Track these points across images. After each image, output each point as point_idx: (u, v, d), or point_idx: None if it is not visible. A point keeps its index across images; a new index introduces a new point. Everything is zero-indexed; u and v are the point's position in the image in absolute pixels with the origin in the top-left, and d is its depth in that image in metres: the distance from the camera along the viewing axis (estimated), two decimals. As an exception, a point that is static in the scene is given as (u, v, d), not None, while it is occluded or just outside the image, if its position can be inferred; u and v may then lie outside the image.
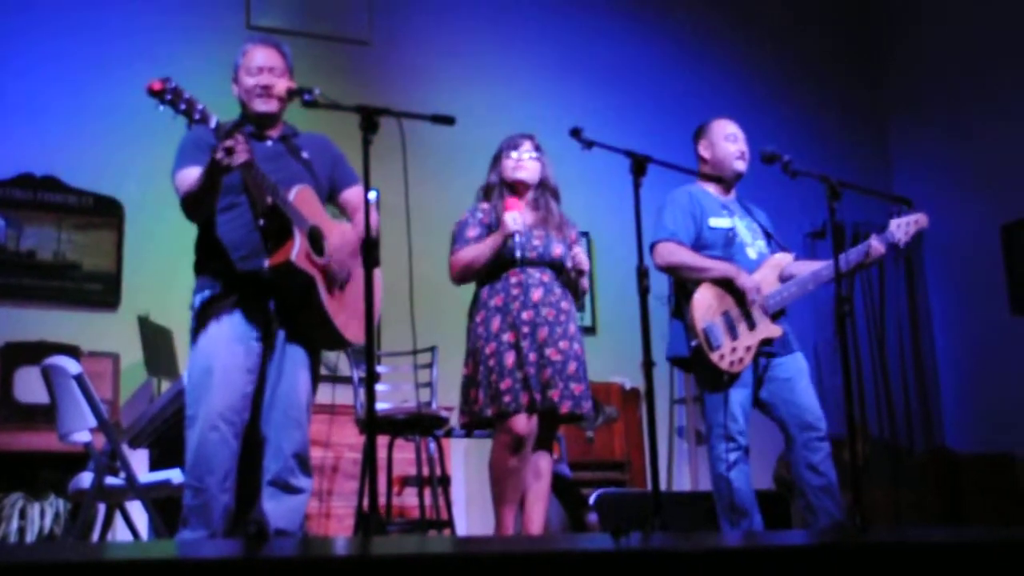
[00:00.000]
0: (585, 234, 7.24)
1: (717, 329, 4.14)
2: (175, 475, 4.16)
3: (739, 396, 4.15)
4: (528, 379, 3.96)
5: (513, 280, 4.08)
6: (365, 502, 3.76)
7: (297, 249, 3.34)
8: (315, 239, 3.45)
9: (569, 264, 4.20)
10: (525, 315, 4.03)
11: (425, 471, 5.15)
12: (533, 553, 1.91)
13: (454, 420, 4.48)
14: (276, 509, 3.46)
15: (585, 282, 4.29)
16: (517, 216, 4.05)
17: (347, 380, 5.29)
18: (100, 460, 4.25)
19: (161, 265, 5.95)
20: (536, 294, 4.06)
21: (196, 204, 3.40)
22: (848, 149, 7.92)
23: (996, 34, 7.46)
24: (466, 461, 6.46)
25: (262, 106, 3.58)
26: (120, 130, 6.12)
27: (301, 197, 3.44)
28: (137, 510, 4.60)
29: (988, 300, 7.36)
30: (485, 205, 4.21)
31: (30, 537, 5.19)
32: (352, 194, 3.73)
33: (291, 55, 3.68)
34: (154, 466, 4.92)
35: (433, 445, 5.21)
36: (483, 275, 4.14)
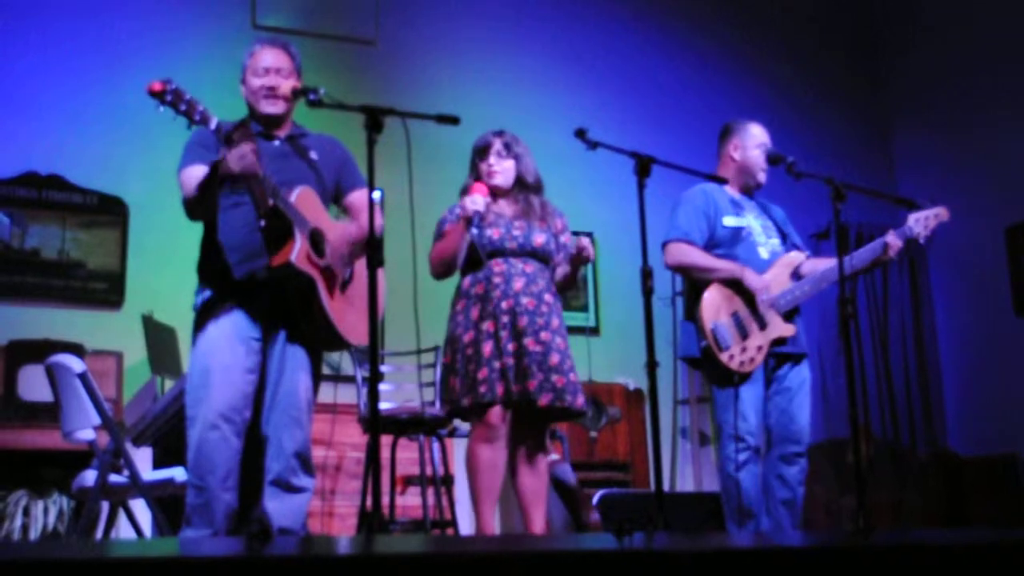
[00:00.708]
0: (589, 234, 7.21)
1: (725, 329, 4.14)
2: (178, 473, 4.17)
3: (751, 395, 4.14)
4: (506, 369, 3.89)
5: (496, 270, 4.01)
6: (368, 501, 3.76)
7: (298, 250, 3.34)
8: (316, 241, 3.45)
9: (561, 256, 4.16)
10: (504, 304, 3.96)
11: (428, 471, 5.15)
12: (536, 553, 1.91)
13: (457, 419, 4.47)
14: (278, 508, 3.46)
15: (579, 271, 4.23)
16: (477, 198, 3.96)
17: (350, 379, 5.30)
18: (104, 458, 4.25)
19: (165, 264, 5.95)
20: (518, 283, 3.99)
21: (196, 205, 3.41)
22: (852, 151, 7.91)
23: (1001, 37, 7.44)
24: (469, 461, 6.45)
25: (268, 107, 3.58)
26: (124, 129, 6.12)
27: (302, 198, 3.44)
28: (140, 508, 4.61)
29: (992, 302, 7.35)
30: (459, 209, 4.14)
31: (34, 535, 5.20)
32: (356, 197, 3.73)
33: (299, 55, 3.69)
34: (157, 464, 4.94)
35: (436, 445, 5.21)
36: (464, 265, 4.08)
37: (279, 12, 6.81)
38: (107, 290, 6.14)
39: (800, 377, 4.27)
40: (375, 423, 2.96)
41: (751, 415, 4.12)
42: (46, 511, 5.29)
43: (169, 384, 5.44)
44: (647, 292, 3.55)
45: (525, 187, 4.17)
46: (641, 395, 6.70)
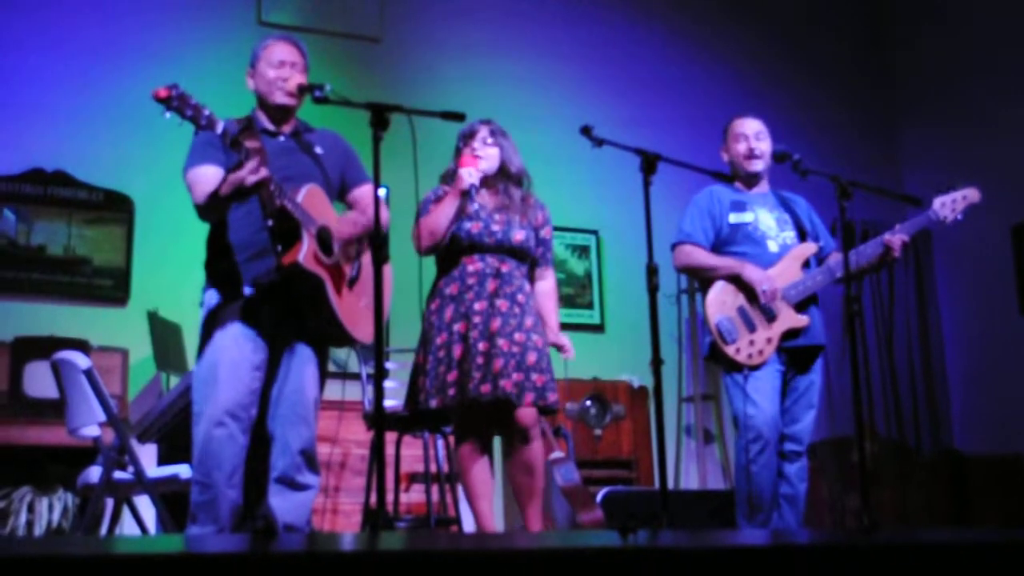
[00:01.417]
0: (594, 232, 7.25)
1: (730, 323, 4.17)
2: (183, 470, 4.17)
3: (766, 386, 4.14)
4: (471, 371, 3.85)
5: (470, 269, 3.99)
6: (373, 498, 3.77)
7: (305, 250, 3.34)
8: (324, 239, 3.45)
9: (540, 251, 4.17)
10: (478, 305, 3.93)
11: (433, 468, 5.15)
12: (541, 550, 1.91)
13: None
14: (283, 505, 3.47)
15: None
16: (472, 171, 3.97)
17: (356, 377, 5.30)
18: (109, 454, 4.26)
19: (171, 260, 5.96)
20: (492, 284, 3.97)
21: (209, 212, 3.42)
22: (858, 148, 7.90)
23: (1006, 34, 7.43)
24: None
25: (283, 98, 3.59)
26: (130, 125, 6.12)
27: (310, 196, 3.45)
28: (145, 505, 4.61)
29: (997, 301, 7.34)
30: (446, 187, 4.11)
31: (38, 531, 5.21)
32: (361, 193, 3.73)
33: (308, 53, 3.71)
34: (162, 461, 4.94)
35: (441, 442, 5.21)
36: (441, 263, 4.08)
37: (285, 9, 6.82)
38: (113, 286, 6.15)
39: (808, 380, 4.28)
40: (380, 420, 2.97)
41: (767, 406, 4.12)
42: (51, 507, 5.30)
43: (174, 380, 5.44)
44: (652, 289, 3.55)
45: (507, 177, 4.14)
46: (646, 392, 6.70)
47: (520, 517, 4.10)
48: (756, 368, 4.14)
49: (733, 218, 4.34)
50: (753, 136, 4.41)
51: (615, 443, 6.54)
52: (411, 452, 5.42)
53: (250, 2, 6.77)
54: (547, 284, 4.24)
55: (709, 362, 4.52)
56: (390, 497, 5.15)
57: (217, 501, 3.36)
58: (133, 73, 6.10)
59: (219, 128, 3.18)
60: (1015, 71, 7.32)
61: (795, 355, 4.25)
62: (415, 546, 2.13)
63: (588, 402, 6.48)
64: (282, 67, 3.60)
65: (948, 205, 4.35)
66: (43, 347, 5.17)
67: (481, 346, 3.87)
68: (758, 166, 4.41)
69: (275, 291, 3.46)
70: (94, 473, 4.35)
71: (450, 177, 4.11)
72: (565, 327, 4.63)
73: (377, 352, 3.00)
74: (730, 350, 4.15)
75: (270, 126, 3.62)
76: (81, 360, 4.25)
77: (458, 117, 3.30)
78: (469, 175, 3.96)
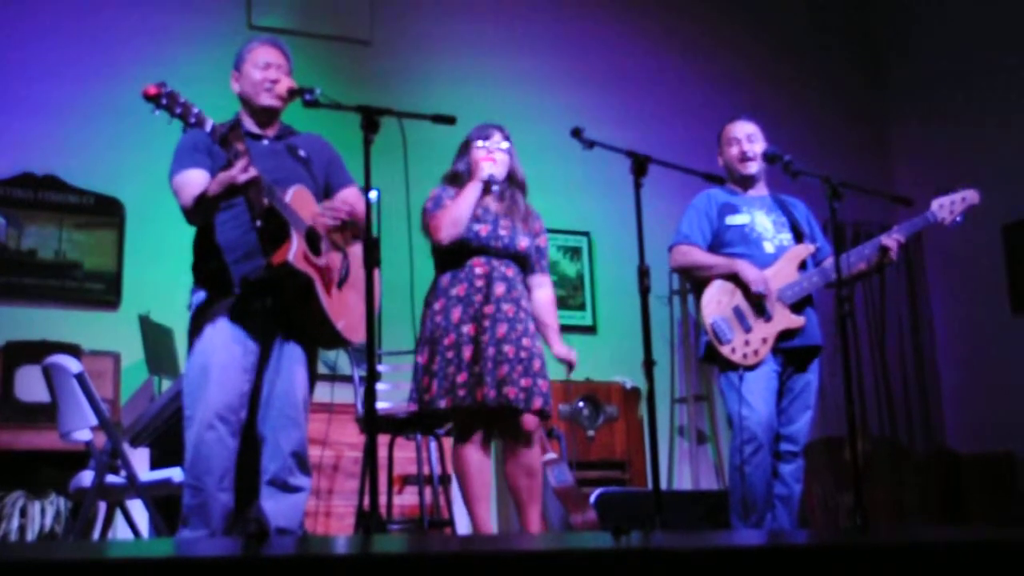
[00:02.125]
0: (586, 234, 7.25)
1: (725, 323, 4.18)
2: (175, 474, 4.16)
3: (761, 387, 4.15)
4: (484, 375, 3.88)
5: (478, 271, 4.02)
6: (366, 501, 3.76)
7: (294, 250, 3.34)
8: (312, 239, 3.45)
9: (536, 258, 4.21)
10: (487, 309, 3.96)
11: (425, 470, 5.15)
12: (533, 552, 1.91)
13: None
14: (275, 508, 3.47)
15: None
16: (492, 164, 4.05)
17: (347, 379, 5.29)
18: (101, 459, 4.25)
19: (162, 264, 5.94)
20: (499, 288, 4.00)
21: (197, 214, 3.42)
22: (849, 149, 7.91)
23: (997, 35, 7.45)
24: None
25: (268, 100, 3.59)
26: (121, 129, 6.11)
27: (297, 197, 3.45)
28: (138, 509, 4.60)
29: (989, 300, 7.36)
30: (453, 190, 4.13)
31: (31, 535, 5.19)
32: (345, 195, 3.73)
33: (292, 57, 3.72)
34: (155, 465, 4.93)
35: (434, 444, 5.21)
36: (444, 262, 4.09)
37: (275, 12, 6.81)
38: (104, 291, 6.14)
39: (804, 380, 4.28)
40: (372, 422, 2.97)
41: (761, 407, 4.12)
42: (43, 512, 5.29)
43: (166, 384, 5.44)
44: (644, 291, 3.56)
45: (513, 183, 4.20)
46: (638, 394, 6.70)
47: (516, 519, 4.11)
48: (751, 368, 4.15)
49: (730, 220, 4.36)
50: (745, 139, 4.43)
51: (608, 444, 6.54)
52: (404, 454, 5.42)
53: (240, 6, 6.76)
54: (547, 293, 4.26)
55: (705, 363, 4.52)
56: (383, 499, 5.15)
57: (209, 505, 3.36)
58: (124, 77, 6.08)
59: (208, 126, 3.18)
60: (1005, 71, 7.34)
61: (792, 356, 4.26)
62: (408, 549, 2.13)
63: (581, 403, 6.48)
64: (268, 69, 3.60)
65: (947, 207, 4.36)
66: (34, 351, 5.16)
67: (490, 351, 3.91)
68: (752, 168, 4.42)
69: (264, 291, 3.46)
70: (86, 477, 4.34)
71: (454, 178, 4.16)
72: (557, 329, 4.63)
73: (369, 354, 3.00)
74: (725, 350, 4.16)
75: (255, 129, 3.63)
76: (73, 364, 4.24)
77: (449, 120, 3.30)
78: (491, 166, 4.03)
